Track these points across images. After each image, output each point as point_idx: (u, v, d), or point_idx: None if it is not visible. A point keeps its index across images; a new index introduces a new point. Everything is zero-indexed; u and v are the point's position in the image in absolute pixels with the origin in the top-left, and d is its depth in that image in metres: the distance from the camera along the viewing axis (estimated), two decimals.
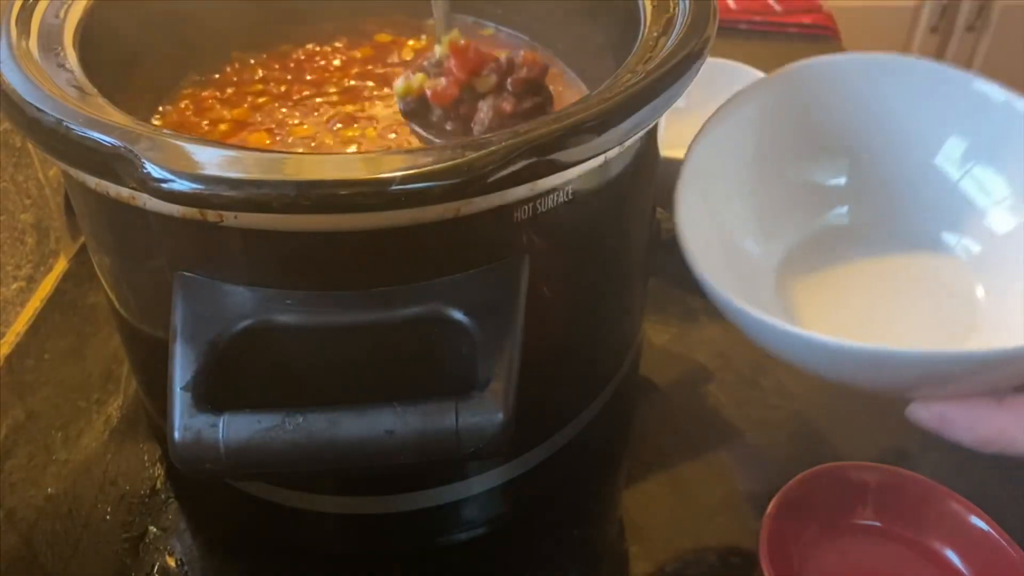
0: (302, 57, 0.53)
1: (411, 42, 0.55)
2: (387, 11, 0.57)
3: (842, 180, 0.44)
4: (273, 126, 0.46)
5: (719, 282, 0.35)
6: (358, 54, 0.53)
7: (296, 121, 0.47)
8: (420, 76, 0.43)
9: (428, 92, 0.42)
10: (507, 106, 0.41)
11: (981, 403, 0.32)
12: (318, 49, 0.54)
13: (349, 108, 0.48)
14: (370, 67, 0.52)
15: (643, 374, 0.53)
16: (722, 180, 0.42)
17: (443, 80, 0.42)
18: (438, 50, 0.43)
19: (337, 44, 0.54)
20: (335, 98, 0.49)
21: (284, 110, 0.48)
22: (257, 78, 0.50)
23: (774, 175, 0.44)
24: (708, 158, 0.41)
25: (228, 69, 0.51)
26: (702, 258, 0.37)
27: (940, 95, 0.41)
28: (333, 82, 0.50)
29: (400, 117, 0.46)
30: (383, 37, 0.55)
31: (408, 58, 0.53)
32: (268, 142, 0.46)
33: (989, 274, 0.40)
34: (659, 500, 0.46)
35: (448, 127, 0.43)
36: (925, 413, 0.33)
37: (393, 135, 0.46)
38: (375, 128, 0.47)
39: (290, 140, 0.46)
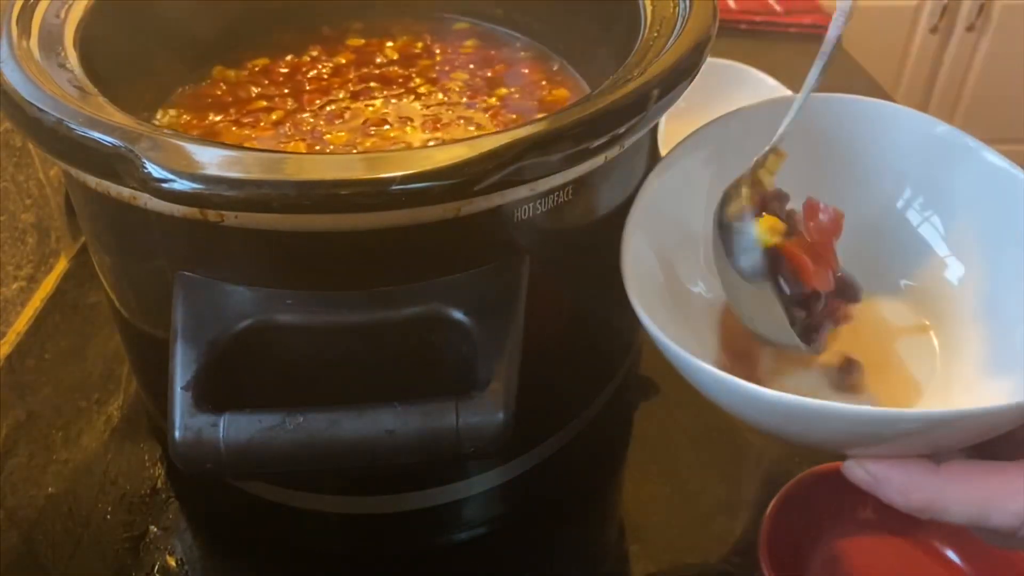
0: (286, 70, 0.52)
1: (389, 44, 0.54)
2: (344, 13, 0.56)
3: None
4: (307, 138, 0.46)
5: (658, 321, 0.34)
6: (342, 60, 0.53)
7: (325, 130, 0.46)
8: (776, 224, 0.36)
9: (789, 258, 0.35)
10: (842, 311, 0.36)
11: (918, 466, 0.30)
12: (297, 60, 0.53)
13: (371, 111, 0.48)
14: (364, 70, 0.52)
15: (643, 374, 0.53)
16: (674, 223, 0.40)
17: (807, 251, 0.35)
18: (767, 180, 0.37)
19: (313, 53, 0.53)
20: (346, 104, 0.48)
21: (311, 119, 0.47)
22: (254, 95, 0.49)
23: None
24: (659, 201, 0.39)
25: (216, 91, 0.50)
26: (643, 295, 0.35)
27: (901, 139, 0.40)
28: (336, 88, 0.50)
29: (435, 113, 0.46)
30: (355, 41, 0.55)
31: (394, 57, 0.53)
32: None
33: (945, 326, 0.39)
34: (659, 500, 0.46)
35: (798, 313, 0.36)
36: (859, 472, 0.31)
37: (427, 132, 0.46)
38: (413, 127, 0.46)
39: (330, 149, 0.45)
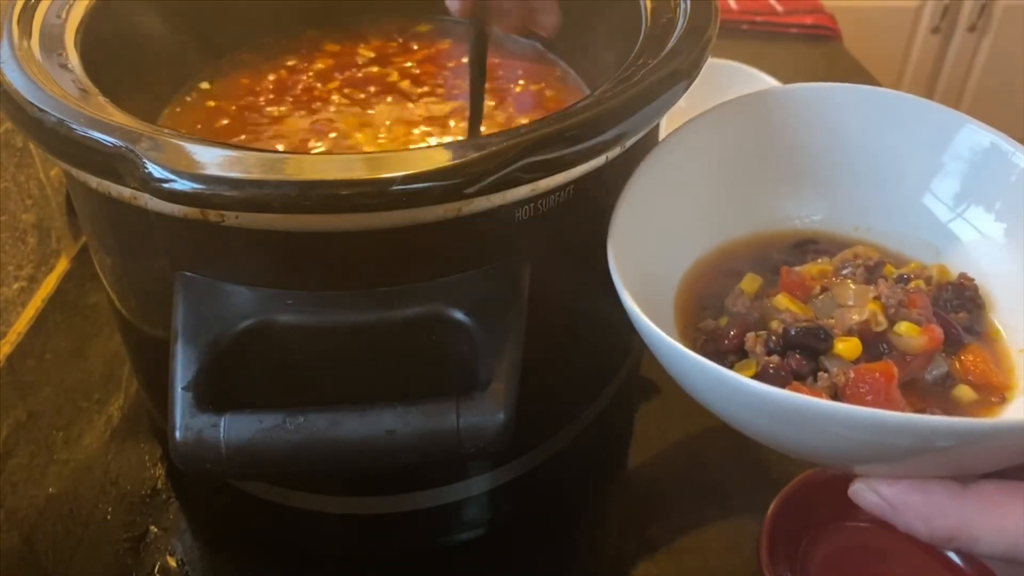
0: (271, 87, 0.51)
1: (360, 47, 0.54)
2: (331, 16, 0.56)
3: (817, 217, 0.40)
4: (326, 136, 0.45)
5: (645, 311, 0.31)
6: (320, 64, 0.52)
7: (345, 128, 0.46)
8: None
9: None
10: None
11: (941, 488, 0.26)
12: (278, 75, 0.52)
13: (368, 114, 0.48)
14: (348, 73, 0.51)
15: (643, 374, 0.53)
16: (668, 212, 0.38)
17: None
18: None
19: (289, 63, 0.53)
20: (344, 108, 0.48)
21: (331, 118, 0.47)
22: (266, 119, 0.48)
23: (735, 208, 0.40)
24: (653, 189, 0.37)
25: (217, 106, 0.49)
26: (632, 289, 0.33)
27: (927, 133, 0.38)
28: (321, 98, 0.49)
29: (434, 114, 0.46)
30: (331, 47, 0.54)
31: (372, 55, 0.52)
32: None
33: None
34: (659, 501, 0.46)
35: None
36: (870, 496, 0.27)
37: (424, 133, 0.46)
38: (413, 128, 0.47)
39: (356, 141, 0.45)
